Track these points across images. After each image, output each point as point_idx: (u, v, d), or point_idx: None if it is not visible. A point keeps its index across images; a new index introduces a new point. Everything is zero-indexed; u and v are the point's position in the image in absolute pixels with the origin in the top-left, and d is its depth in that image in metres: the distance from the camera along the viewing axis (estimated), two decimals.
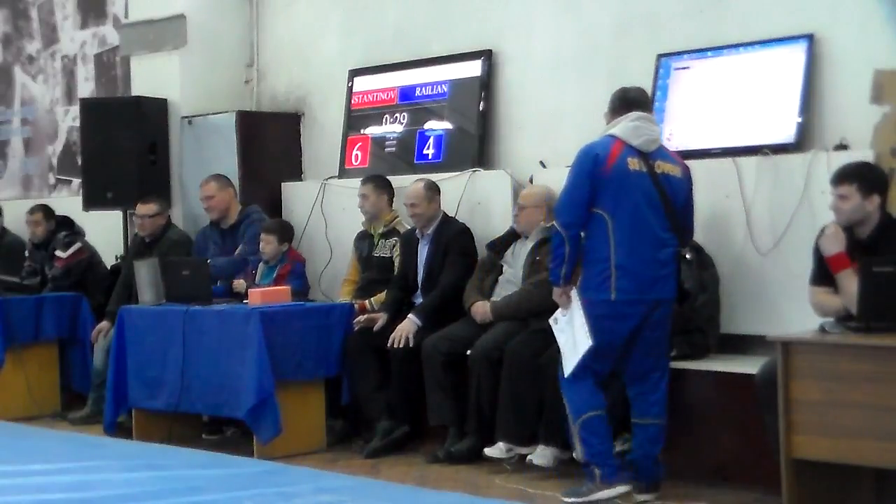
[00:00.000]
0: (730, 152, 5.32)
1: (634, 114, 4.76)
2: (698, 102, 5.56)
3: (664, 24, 5.77)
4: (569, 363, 4.71)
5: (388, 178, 6.40)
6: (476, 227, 6.14)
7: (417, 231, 6.07)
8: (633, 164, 4.66)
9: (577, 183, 4.66)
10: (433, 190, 6.05)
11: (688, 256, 4.83)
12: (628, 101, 4.82)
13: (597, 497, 4.66)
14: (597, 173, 4.62)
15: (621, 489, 4.71)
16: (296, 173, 7.40)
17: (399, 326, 5.77)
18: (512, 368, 5.29)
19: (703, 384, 5.05)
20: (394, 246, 6.24)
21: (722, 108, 5.49)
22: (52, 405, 7.21)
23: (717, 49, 5.54)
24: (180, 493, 4.51)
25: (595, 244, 4.64)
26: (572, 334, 4.68)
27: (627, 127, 4.73)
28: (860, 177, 4.39)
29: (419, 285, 6.03)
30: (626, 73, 5.57)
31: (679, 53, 5.67)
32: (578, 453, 4.75)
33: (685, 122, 5.57)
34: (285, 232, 6.52)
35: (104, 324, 6.95)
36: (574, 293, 4.71)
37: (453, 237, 5.96)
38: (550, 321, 4.84)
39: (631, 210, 4.62)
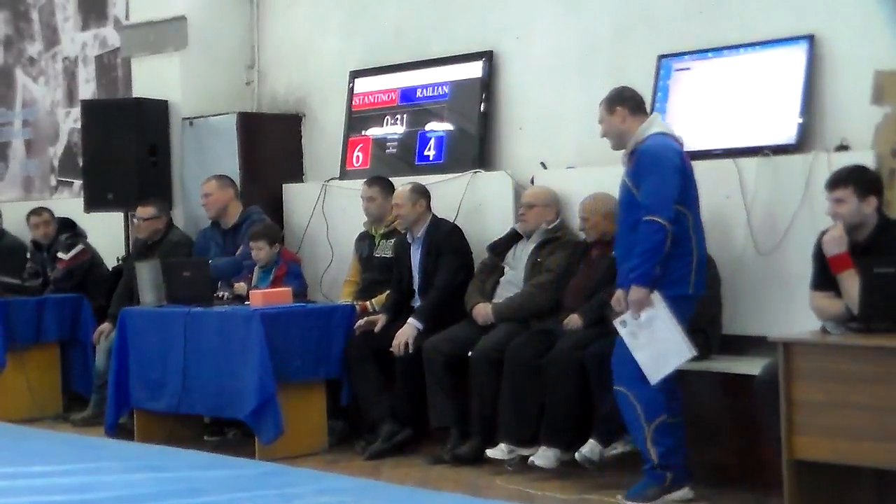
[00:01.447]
0: (730, 153, 5.31)
1: (658, 114, 4.88)
2: (699, 103, 5.56)
3: (664, 25, 5.77)
4: (655, 371, 4.62)
5: (390, 179, 6.40)
6: (477, 228, 6.14)
7: (408, 234, 6.07)
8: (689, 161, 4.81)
9: (670, 179, 4.64)
10: (418, 192, 6.03)
11: None
12: (643, 102, 4.93)
13: (668, 500, 4.64)
14: (681, 171, 4.68)
15: (688, 493, 4.69)
16: (297, 175, 7.40)
17: (399, 332, 5.77)
18: (513, 369, 5.30)
19: (705, 385, 5.05)
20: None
21: (722, 108, 5.48)
22: (53, 407, 7.22)
23: (718, 50, 5.53)
24: (182, 495, 4.52)
25: (679, 239, 4.63)
26: (657, 341, 4.58)
27: (669, 127, 4.84)
28: (855, 180, 4.39)
29: (416, 289, 6.03)
30: (627, 74, 5.57)
31: (679, 54, 5.66)
32: (652, 456, 4.65)
33: (686, 123, 5.56)
34: (273, 234, 6.48)
35: (105, 325, 6.96)
36: (657, 296, 4.62)
37: (443, 237, 5.96)
38: (617, 324, 4.71)
39: (697, 207, 4.74)
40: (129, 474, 4.98)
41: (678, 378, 4.82)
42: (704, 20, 5.62)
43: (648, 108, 5.56)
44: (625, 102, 4.84)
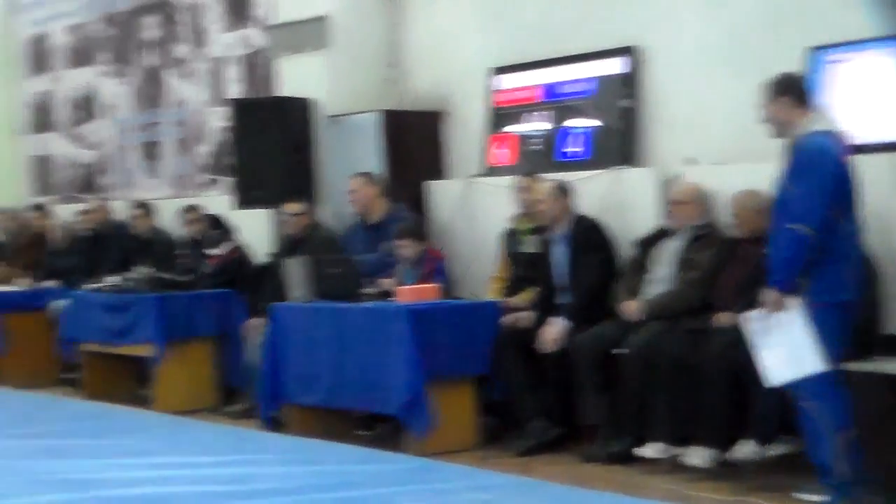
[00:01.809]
0: (889, 147, 5.17)
1: (825, 110, 4.74)
2: (853, 96, 5.42)
3: (815, 16, 5.64)
4: (776, 375, 4.57)
5: None
6: (620, 224, 6.09)
7: (549, 231, 6.07)
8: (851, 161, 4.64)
9: (822, 186, 4.49)
10: (561, 189, 6.03)
11: None
12: (809, 93, 4.75)
13: None
14: (838, 175, 4.53)
15: None
16: (439, 171, 7.45)
17: (547, 330, 5.77)
18: (666, 368, 5.26)
19: (870, 386, 4.89)
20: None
21: (879, 101, 5.34)
22: (210, 399, 7.39)
23: (872, 41, 5.38)
24: (338, 488, 4.64)
25: (830, 246, 4.51)
26: (786, 346, 4.52)
27: (832, 122, 4.68)
28: None
29: (559, 285, 6.02)
30: (776, 67, 5.40)
31: (831, 46, 5.53)
32: (841, 472, 4.51)
33: (840, 117, 5.43)
34: (419, 232, 6.55)
35: (256, 320, 7.12)
36: (796, 302, 4.53)
37: (586, 234, 5.95)
38: (744, 319, 4.70)
39: (856, 209, 4.60)
40: (286, 466, 5.13)
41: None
42: (857, 11, 5.47)
43: None
44: (790, 92, 4.68)
